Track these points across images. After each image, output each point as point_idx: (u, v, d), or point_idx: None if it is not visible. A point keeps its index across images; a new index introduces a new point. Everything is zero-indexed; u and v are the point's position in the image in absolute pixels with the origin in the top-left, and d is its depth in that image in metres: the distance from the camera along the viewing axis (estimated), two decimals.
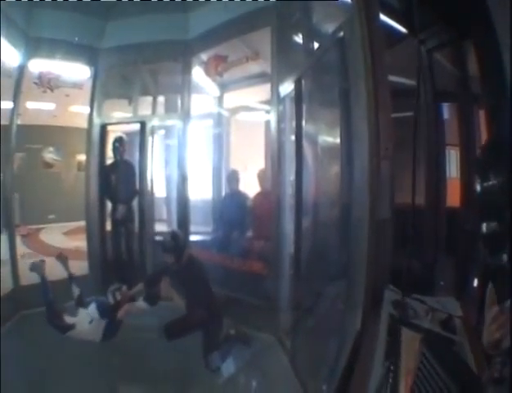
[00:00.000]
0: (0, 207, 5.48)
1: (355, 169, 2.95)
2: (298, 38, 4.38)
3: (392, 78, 3.66)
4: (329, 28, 3.59)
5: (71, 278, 5.16)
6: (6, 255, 5.49)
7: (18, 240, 5.95)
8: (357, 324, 2.66)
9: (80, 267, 5.99)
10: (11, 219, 5.70)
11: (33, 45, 5.60)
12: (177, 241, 4.57)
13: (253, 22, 5.00)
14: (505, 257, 1.34)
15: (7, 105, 5.51)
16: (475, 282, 2.92)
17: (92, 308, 4.62)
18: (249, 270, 5.05)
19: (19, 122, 5.70)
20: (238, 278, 5.12)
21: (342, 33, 3.19)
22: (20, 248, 5.96)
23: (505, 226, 1.32)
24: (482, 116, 3.58)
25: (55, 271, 5.57)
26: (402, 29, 3.83)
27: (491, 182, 1.36)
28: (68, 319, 4.62)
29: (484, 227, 1.38)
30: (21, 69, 5.60)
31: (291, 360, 4.03)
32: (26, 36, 5.51)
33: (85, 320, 4.62)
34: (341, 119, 3.29)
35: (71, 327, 4.56)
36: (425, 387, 1.61)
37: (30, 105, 6.66)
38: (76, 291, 5.06)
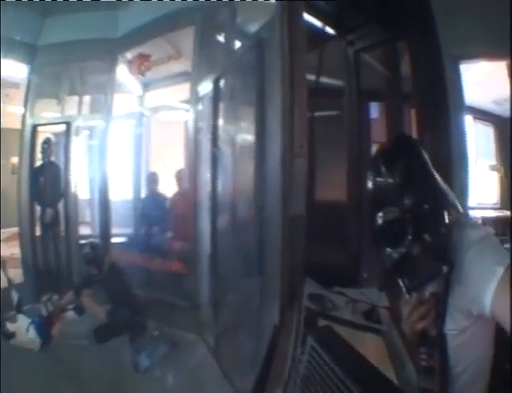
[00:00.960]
0: None
1: (268, 167, 2.98)
2: (222, 38, 4.41)
3: (320, 78, 3.72)
4: (251, 28, 3.62)
5: (10, 285, 5.12)
6: None
7: None
8: (274, 318, 2.69)
9: (17, 274, 5.83)
10: None
11: None
12: (97, 252, 4.72)
13: (178, 21, 4.98)
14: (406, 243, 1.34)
15: None
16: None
17: (27, 321, 4.62)
18: (169, 270, 5.03)
19: None
20: (159, 279, 5.11)
21: (262, 34, 3.22)
22: None
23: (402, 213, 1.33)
24: (411, 114, 3.68)
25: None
26: (330, 31, 3.89)
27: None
28: (10, 327, 4.64)
29: (380, 218, 1.37)
30: None
31: (216, 357, 4.04)
32: None
33: (23, 328, 4.64)
34: (256, 119, 3.30)
35: (12, 335, 4.59)
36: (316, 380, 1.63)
37: None
38: (15, 297, 4.99)
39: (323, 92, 3.83)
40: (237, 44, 4.05)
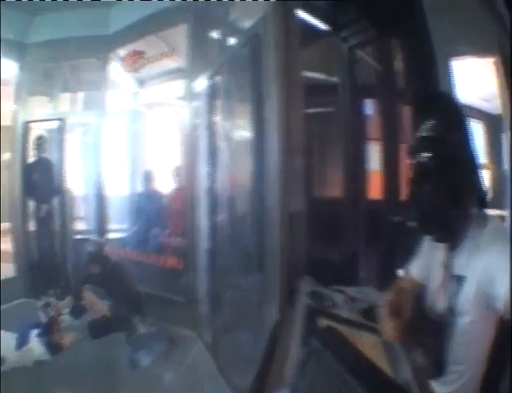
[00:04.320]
0: None
1: (267, 163, 2.95)
2: (215, 35, 4.41)
3: (314, 74, 3.69)
4: (245, 25, 3.59)
5: None
6: None
7: None
8: (273, 315, 2.68)
9: (9, 270, 5.86)
10: None
11: None
12: (100, 249, 4.67)
13: (171, 18, 4.96)
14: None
15: None
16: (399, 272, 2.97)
17: (34, 337, 4.31)
18: (166, 266, 5.03)
19: None
20: (156, 275, 5.09)
21: (256, 30, 3.18)
22: None
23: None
24: (405, 111, 3.67)
25: None
26: (324, 27, 3.86)
27: None
28: None
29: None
30: None
31: (212, 354, 4.02)
32: None
33: (10, 347, 4.26)
34: (253, 115, 3.28)
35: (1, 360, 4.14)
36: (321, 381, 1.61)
37: None
38: None
39: (318, 89, 3.81)
40: (231, 41, 4.06)
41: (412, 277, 1.77)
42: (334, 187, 4.10)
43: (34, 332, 4.32)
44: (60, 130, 6.13)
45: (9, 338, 4.31)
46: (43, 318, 4.56)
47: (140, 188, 5.87)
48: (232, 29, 4.04)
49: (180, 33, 4.89)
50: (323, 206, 3.80)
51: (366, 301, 2.56)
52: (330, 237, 3.78)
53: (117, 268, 4.69)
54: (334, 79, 4.16)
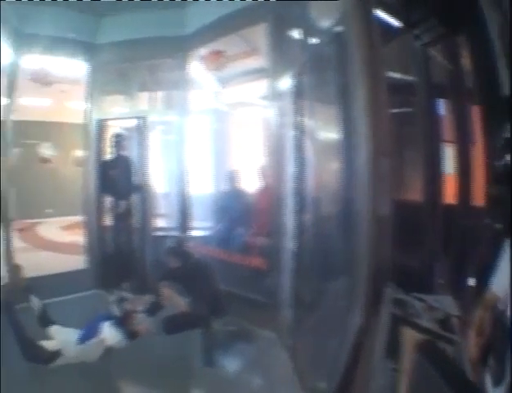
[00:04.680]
0: None
1: (355, 165, 2.95)
2: (296, 33, 4.38)
3: (391, 74, 3.66)
4: (326, 23, 3.59)
5: (28, 290, 4.71)
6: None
7: (14, 234, 5.96)
8: (357, 322, 2.65)
9: (78, 261, 6.15)
10: (6, 213, 5.73)
11: (26, 42, 5.66)
12: (183, 245, 4.77)
13: (250, 17, 5.03)
14: None
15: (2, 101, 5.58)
16: (472, 281, 2.92)
17: (107, 327, 4.30)
18: (250, 266, 5.06)
19: (14, 118, 5.75)
20: (239, 274, 5.14)
21: (339, 28, 3.20)
22: (16, 242, 5.96)
23: None
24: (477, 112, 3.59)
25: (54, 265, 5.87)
26: (397, 24, 3.83)
27: None
28: (48, 345, 4.19)
29: None
30: (14, 65, 5.65)
31: (291, 357, 4.05)
32: (18, 33, 5.56)
33: (71, 340, 4.26)
34: (340, 115, 3.29)
35: (56, 354, 4.14)
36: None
37: (26, 101, 6.61)
38: (37, 304, 4.57)
39: (395, 89, 3.78)
40: (312, 39, 4.03)
41: (494, 293, 1.77)
42: (411, 190, 4.05)
43: (107, 323, 4.34)
44: (140, 128, 6.35)
45: (69, 333, 4.38)
46: (116, 312, 4.55)
47: (225, 187, 5.95)
48: (312, 28, 4.00)
49: (260, 32, 4.92)
50: (402, 210, 3.76)
51: (443, 311, 2.54)
52: (409, 242, 3.74)
53: (199, 264, 4.74)
54: (410, 78, 4.11)
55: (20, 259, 5.56)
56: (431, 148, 3.85)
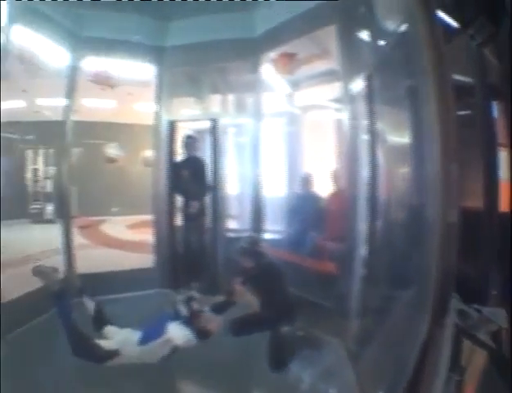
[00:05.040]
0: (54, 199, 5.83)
1: (425, 170, 2.96)
2: (364, 35, 4.40)
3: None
4: (392, 23, 3.60)
5: (82, 291, 4.74)
6: (56, 243, 5.79)
7: (75, 231, 6.21)
8: (423, 332, 2.65)
9: (145, 260, 6.36)
10: (67, 210, 6.06)
11: (86, 45, 5.91)
12: (257, 246, 4.78)
13: (318, 19, 5.03)
14: None
15: (61, 102, 5.90)
16: None
17: (174, 327, 4.30)
18: (320, 271, 5.09)
19: (75, 118, 6.04)
20: (308, 278, 5.14)
21: (405, 29, 3.22)
22: (77, 239, 6.20)
23: None
24: None
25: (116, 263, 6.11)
26: (454, 24, 3.76)
27: None
28: (105, 344, 4.23)
29: None
30: (73, 68, 5.91)
31: (355, 366, 4.04)
32: (75, 36, 5.81)
33: (131, 341, 4.31)
34: (409, 119, 3.29)
35: (113, 353, 4.17)
36: None
37: (88, 102, 6.81)
38: (90, 305, 4.61)
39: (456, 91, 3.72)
40: (380, 40, 4.03)
41: None
42: (469, 197, 3.94)
43: (174, 323, 4.33)
44: (212, 130, 6.53)
45: (127, 333, 4.43)
46: (183, 312, 4.50)
47: (297, 190, 6.00)
48: (379, 28, 4.01)
49: (330, 34, 4.95)
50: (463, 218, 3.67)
51: (495, 323, 2.50)
52: (467, 251, 3.66)
53: (271, 266, 4.78)
54: (468, 80, 4.01)
55: (81, 255, 5.82)
56: (488, 152, 3.77)
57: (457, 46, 3.70)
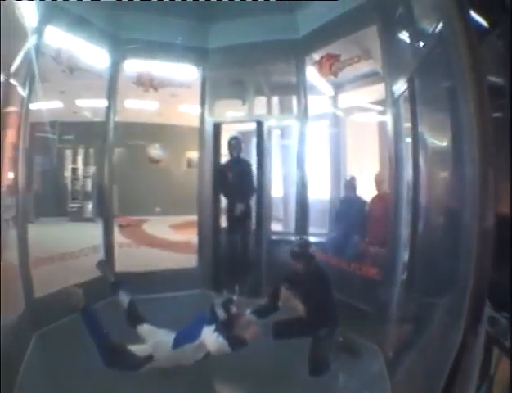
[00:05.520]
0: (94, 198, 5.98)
1: (464, 175, 2.91)
2: (404, 35, 4.32)
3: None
4: (429, 23, 3.54)
5: (116, 286, 4.81)
6: (94, 241, 5.93)
7: (117, 230, 6.45)
8: (457, 340, 2.60)
9: (188, 260, 6.53)
10: (108, 208, 6.25)
11: (126, 46, 6.12)
12: (308, 250, 4.69)
13: (360, 19, 5.03)
14: None
15: (101, 103, 6.11)
16: None
17: (210, 332, 4.22)
18: (363, 276, 5.03)
19: (117, 119, 6.22)
20: (350, 283, 5.13)
21: (441, 29, 3.18)
22: (118, 237, 6.43)
23: None
24: None
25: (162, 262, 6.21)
26: (484, 23, 3.67)
27: None
28: (138, 350, 4.18)
29: None
30: (114, 69, 6.15)
31: (390, 372, 4.01)
32: (114, 38, 6.03)
33: (165, 344, 4.27)
34: (449, 121, 3.25)
35: (147, 360, 4.12)
36: None
37: (131, 103, 7.11)
38: (125, 299, 4.67)
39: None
40: (419, 41, 3.93)
41: None
42: (500, 202, 3.82)
43: (210, 328, 4.26)
44: (257, 132, 6.60)
45: (162, 334, 4.41)
46: (221, 315, 4.43)
47: (341, 193, 6.04)
48: (418, 29, 3.93)
49: (371, 35, 4.90)
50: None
51: None
52: (497, 257, 3.55)
53: (318, 270, 4.71)
54: (499, 81, 3.89)
55: (121, 253, 5.99)
56: None
57: (486, 46, 3.64)
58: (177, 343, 4.25)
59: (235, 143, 6.51)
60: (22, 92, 4.62)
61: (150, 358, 4.11)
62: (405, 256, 4.34)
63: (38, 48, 4.75)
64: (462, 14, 2.83)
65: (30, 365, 3.98)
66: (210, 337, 4.19)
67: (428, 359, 3.20)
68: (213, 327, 4.28)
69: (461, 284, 2.83)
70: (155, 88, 6.40)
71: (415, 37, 4.04)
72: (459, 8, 2.83)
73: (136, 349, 4.18)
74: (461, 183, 2.98)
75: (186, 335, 4.32)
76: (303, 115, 6.19)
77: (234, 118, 7.17)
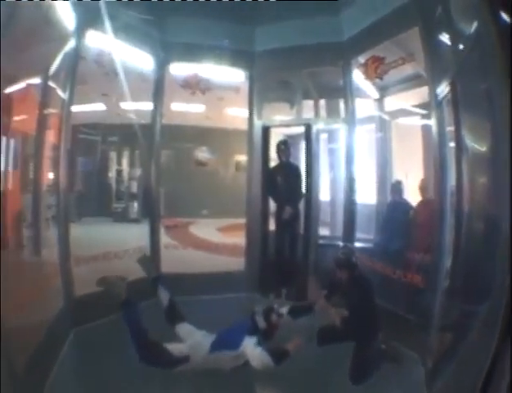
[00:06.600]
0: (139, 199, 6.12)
1: (501, 180, 2.89)
2: (443, 37, 4.30)
3: None
4: (465, 24, 3.53)
5: (156, 282, 4.93)
6: (140, 242, 6.09)
7: (162, 231, 6.57)
8: (491, 350, 2.57)
9: (235, 263, 6.61)
10: (155, 210, 6.40)
11: (171, 50, 6.30)
12: (351, 258, 4.73)
13: (402, 21, 5.02)
14: None
15: (146, 106, 6.28)
16: None
17: (253, 346, 4.28)
18: (407, 283, 5.02)
19: (164, 122, 6.40)
20: (394, 290, 5.13)
21: (477, 30, 3.16)
22: (165, 239, 6.58)
23: None
24: None
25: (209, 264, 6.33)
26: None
27: None
28: (174, 349, 4.30)
29: None
30: (159, 72, 6.32)
31: (428, 382, 3.99)
32: (159, 42, 6.21)
33: (203, 346, 4.36)
34: (487, 125, 3.22)
35: (183, 360, 4.24)
36: None
37: (177, 106, 7.29)
38: (165, 297, 4.78)
39: None
40: (459, 42, 3.90)
41: None
42: None
43: (252, 339, 4.36)
44: (306, 136, 6.65)
45: (200, 336, 4.52)
46: (262, 323, 4.56)
47: (387, 198, 6.04)
48: (456, 30, 3.91)
49: (414, 37, 4.88)
50: None
51: None
52: None
53: (362, 277, 4.76)
54: None
55: (167, 255, 6.14)
56: None
57: None
58: (214, 347, 4.37)
59: (285, 147, 6.59)
60: (62, 94, 4.79)
61: (186, 358, 4.24)
62: (447, 263, 4.31)
63: (78, 51, 4.94)
64: (495, 14, 2.80)
65: (65, 361, 4.14)
66: (253, 351, 4.25)
67: (464, 369, 3.19)
68: (254, 339, 4.37)
69: (498, 291, 2.82)
70: (202, 91, 6.54)
71: (454, 38, 4.01)
72: (491, 9, 2.81)
73: (173, 348, 4.31)
74: (498, 188, 2.96)
75: (226, 342, 4.42)
76: (351, 118, 6.21)
77: (282, 121, 7.20)
